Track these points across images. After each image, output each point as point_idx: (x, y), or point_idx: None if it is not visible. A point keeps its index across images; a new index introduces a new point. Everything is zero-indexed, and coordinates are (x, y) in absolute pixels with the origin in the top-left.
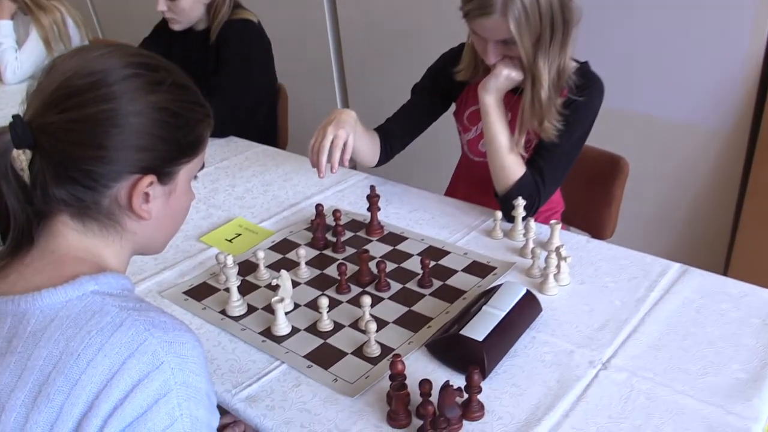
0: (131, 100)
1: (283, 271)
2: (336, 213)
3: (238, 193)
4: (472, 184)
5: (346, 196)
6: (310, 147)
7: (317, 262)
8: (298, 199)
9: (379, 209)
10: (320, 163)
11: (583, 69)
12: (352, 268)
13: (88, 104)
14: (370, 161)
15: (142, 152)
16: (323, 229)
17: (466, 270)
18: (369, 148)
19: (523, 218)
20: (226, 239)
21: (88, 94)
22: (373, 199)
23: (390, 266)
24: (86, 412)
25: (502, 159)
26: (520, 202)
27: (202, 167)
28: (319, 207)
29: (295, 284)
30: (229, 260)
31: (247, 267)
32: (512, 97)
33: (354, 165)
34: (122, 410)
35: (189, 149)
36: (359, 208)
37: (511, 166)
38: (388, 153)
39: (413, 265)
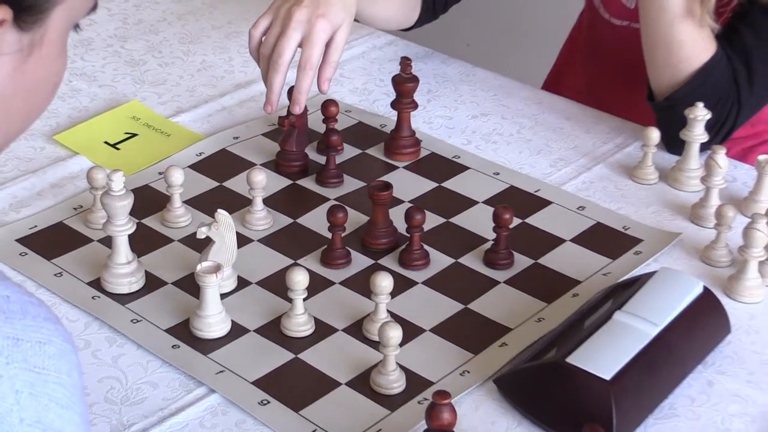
0: None
1: (221, 213)
2: (329, 108)
3: (133, 54)
4: (602, 70)
5: (349, 74)
6: (251, 42)
7: (288, 202)
8: (253, 73)
9: (414, 107)
10: (271, 89)
11: None
12: (356, 219)
13: None
14: (399, 23)
15: None
16: (302, 137)
17: (582, 239)
18: (395, 5)
19: (703, 146)
20: (108, 143)
21: None
22: (404, 86)
23: (432, 220)
24: None
25: (669, 26)
26: (700, 114)
27: (94, 8)
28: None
29: (242, 240)
30: (115, 183)
31: (148, 199)
32: None
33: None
34: None
35: None
36: (375, 102)
37: (688, 42)
38: (436, 5)
39: (477, 221)
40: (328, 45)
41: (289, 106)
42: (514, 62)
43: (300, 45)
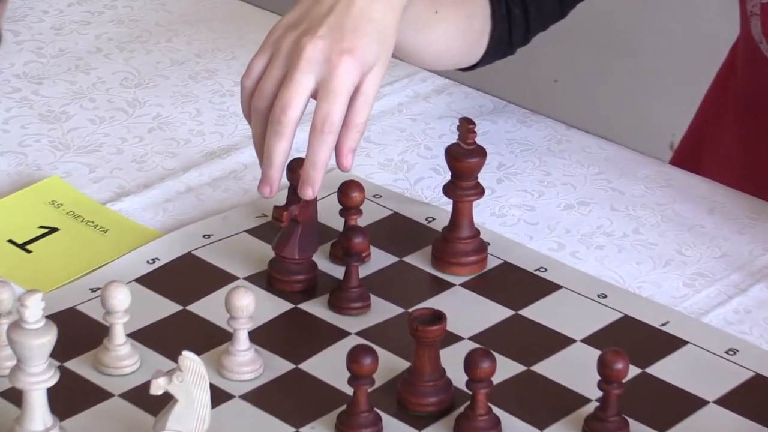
0: None
1: (187, 356)
2: (349, 193)
3: (52, 104)
4: (766, 135)
5: (380, 138)
6: (243, 94)
7: (286, 337)
8: (234, 135)
9: (478, 194)
10: (270, 161)
11: None
12: (389, 365)
13: None
14: (457, 59)
15: None
16: (308, 238)
17: (733, 401)
18: (455, 32)
19: None
20: (13, 242)
21: None
22: (464, 163)
23: (504, 369)
24: None
25: None
26: None
27: None
28: (297, 171)
29: (218, 397)
30: (31, 311)
31: (74, 331)
32: None
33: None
34: None
35: None
36: (418, 182)
37: None
38: (513, 34)
39: (573, 371)
40: (352, 97)
41: (289, 190)
42: (628, 117)
43: (314, 95)
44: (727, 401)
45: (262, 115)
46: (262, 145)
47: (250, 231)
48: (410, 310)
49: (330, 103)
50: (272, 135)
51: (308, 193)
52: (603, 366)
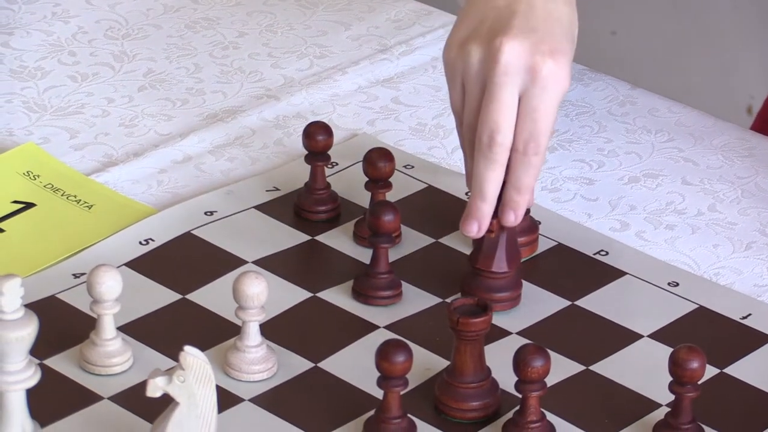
0: None
1: (190, 353)
2: (376, 163)
3: (24, 57)
4: None
5: (411, 98)
6: (457, 123)
7: (304, 331)
8: (240, 94)
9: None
10: (481, 191)
11: None
12: (425, 363)
13: None
14: None
15: None
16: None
17: None
18: None
19: None
20: None
21: None
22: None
23: (560, 368)
24: None
25: None
26: None
27: None
28: (315, 137)
29: (225, 400)
30: (7, 299)
31: (56, 324)
32: None
33: None
34: None
35: None
36: (456, 149)
37: None
38: None
39: (640, 371)
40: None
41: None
42: (702, 75)
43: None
44: None
45: (470, 142)
46: (469, 171)
47: (259, 207)
48: (449, 299)
49: (535, 121)
50: (482, 161)
51: (510, 219)
52: (675, 365)
